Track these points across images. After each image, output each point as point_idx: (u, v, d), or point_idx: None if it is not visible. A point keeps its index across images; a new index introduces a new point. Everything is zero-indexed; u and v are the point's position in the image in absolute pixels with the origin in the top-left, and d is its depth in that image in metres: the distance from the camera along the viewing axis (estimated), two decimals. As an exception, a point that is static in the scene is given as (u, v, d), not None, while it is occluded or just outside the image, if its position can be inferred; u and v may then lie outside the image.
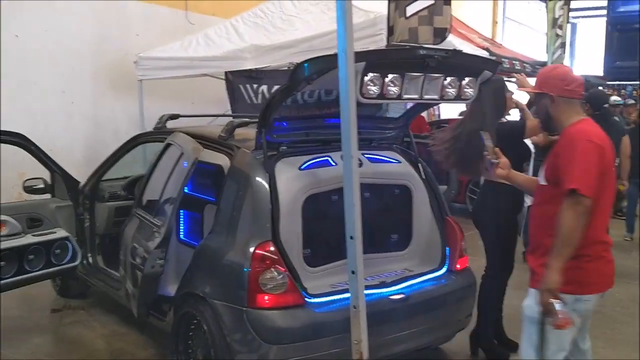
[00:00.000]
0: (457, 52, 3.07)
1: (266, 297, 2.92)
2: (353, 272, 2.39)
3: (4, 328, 4.44)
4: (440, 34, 4.91)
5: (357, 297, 2.39)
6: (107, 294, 4.39)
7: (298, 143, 3.43)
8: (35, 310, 4.82)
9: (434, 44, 4.63)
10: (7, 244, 3.94)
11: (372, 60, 2.73)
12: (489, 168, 2.92)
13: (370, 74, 2.75)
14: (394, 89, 2.85)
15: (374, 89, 2.79)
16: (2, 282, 3.89)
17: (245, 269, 2.95)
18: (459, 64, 3.04)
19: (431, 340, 3.60)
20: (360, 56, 2.68)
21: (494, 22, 15.91)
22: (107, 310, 4.70)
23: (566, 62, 11.25)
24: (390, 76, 2.81)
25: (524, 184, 2.99)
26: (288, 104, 3.29)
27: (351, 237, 2.37)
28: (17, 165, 6.50)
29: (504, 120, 3.90)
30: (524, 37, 16.94)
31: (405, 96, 2.92)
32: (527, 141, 3.92)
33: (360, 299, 2.39)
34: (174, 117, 4.34)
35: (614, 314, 4.72)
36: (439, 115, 12.30)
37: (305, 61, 2.80)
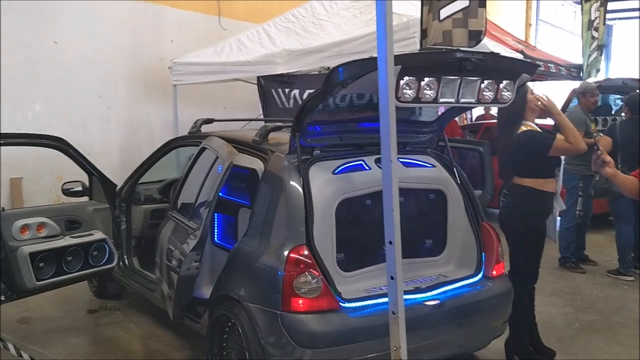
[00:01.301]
0: (494, 55, 3.03)
1: (300, 301, 2.92)
2: (392, 278, 2.38)
3: (42, 328, 4.56)
4: (475, 37, 4.85)
5: (396, 302, 2.38)
6: (142, 295, 4.45)
7: (331, 147, 3.42)
8: (73, 311, 4.92)
9: (468, 47, 4.57)
10: (46, 245, 4.04)
11: (408, 64, 2.71)
12: (600, 165, 3.03)
13: (406, 78, 2.74)
14: (429, 93, 2.83)
15: (409, 93, 2.78)
16: (41, 282, 3.98)
17: (279, 273, 2.95)
18: (496, 67, 2.99)
19: (466, 347, 3.55)
20: (396, 60, 2.66)
21: (528, 25, 15.66)
22: (143, 311, 4.77)
23: (602, 65, 11.01)
24: (426, 79, 2.79)
25: (624, 183, 3.10)
26: (321, 108, 3.29)
27: (390, 242, 2.36)
28: (56, 169, 6.70)
29: (530, 126, 3.76)
30: (558, 39, 16.62)
31: (442, 100, 2.90)
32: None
33: (399, 305, 2.38)
34: (208, 121, 4.39)
35: None
36: (471, 119, 12.16)
37: (340, 65, 2.79)
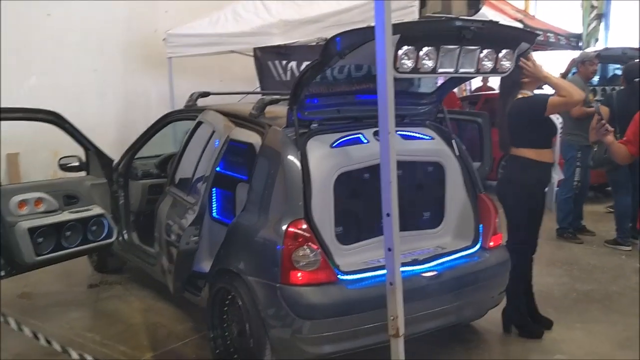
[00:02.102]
0: (493, 23, 2.98)
1: (299, 274, 2.94)
2: (389, 249, 2.38)
3: (42, 303, 4.59)
4: (474, 5, 4.82)
5: (393, 273, 2.40)
6: (142, 269, 4.48)
7: (329, 120, 3.39)
8: (73, 286, 4.95)
9: (467, 16, 4.51)
10: (44, 220, 4.03)
11: (407, 33, 2.66)
12: (603, 133, 3.29)
13: (405, 47, 2.69)
14: (428, 63, 2.79)
15: (408, 63, 2.73)
16: (40, 257, 3.99)
17: (278, 247, 2.96)
18: (495, 36, 2.95)
19: (463, 317, 3.58)
20: (394, 29, 2.61)
21: (527, -7, 15.41)
22: (143, 285, 4.80)
23: (601, 34, 10.88)
24: (425, 49, 2.75)
25: (617, 150, 3.44)
26: (319, 80, 3.25)
27: (387, 215, 2.36)
28: (52, 144, 6.64)
29: (528, 94, 3.73)
30: (558, 9, 16.37)
31: (440, 70, 2.86)
32: (553, 116, 3.76)
33: (396, 276, 2.40)
34: (204, 94, 4.35)
35: None
36: (470, 90, 12.06)
37: (337, 35, 2.75)
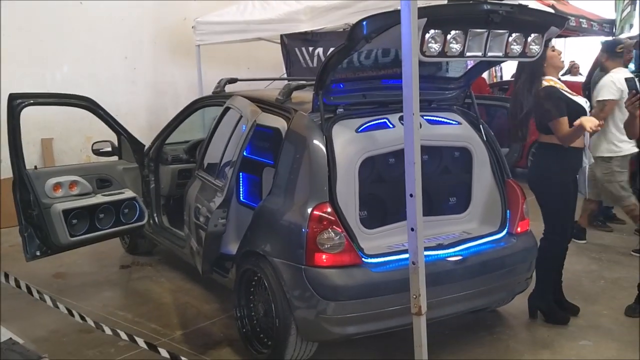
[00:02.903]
0: (522, 7, 2.93)
1: (324, 256, 2.98)
2: (412, 229, 2.40)
3: (76, 283, 4.75)
4: (506, -11, 4.71)
5: (416, 252, 2.41)
6: (172, 251, 4.58)
7: (355, 105, 3.40)
8: (106, 267, 5.10)
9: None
10: (78, 202, 4.17)
11: (434, 16, 2.65)
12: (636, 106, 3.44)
13: (432, 31, 2.68)
14: (456, 47, 2.77)
15: (435, 47, 2.72)
16: (75, 238, 4.13)
17: (303, 230, 3.00)
18: (524, 20, 2.91)
19: (489, 302, 3.59)
20: (421, 12, 2.61)
21: (560, -23, 15.02)
22: (173, 266, 4.92)
23: (636, 19, 10.56)
24: (452, 33, 2.73)
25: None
26: (344, 66, 3.27)
27: (411, 195, 2.37)
28: (85, 130, 6.83)
29: (552, 81, 3.67)
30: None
31: (468, 54, 2.84)
32: (579, 99, 3.71)
33: (419, 255, 2.42)
34: (232, 81, 4.40)
35: None
36: (501, 77, 11.88)
37: (364, 19, 2.75)
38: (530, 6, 5.31)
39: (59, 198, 4.12)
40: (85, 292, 4.51)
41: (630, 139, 3.97)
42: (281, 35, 6.89)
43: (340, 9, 6.02)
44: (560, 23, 3.06)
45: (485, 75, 10.81)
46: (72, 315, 3.51)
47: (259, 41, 7.45)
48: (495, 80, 11.13)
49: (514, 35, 2.88)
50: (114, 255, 5.32)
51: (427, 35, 2.66)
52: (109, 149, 4.75)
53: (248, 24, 6.79)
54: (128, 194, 4.45)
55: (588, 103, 3.75)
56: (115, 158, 4.80)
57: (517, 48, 2.92)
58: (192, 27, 7.21)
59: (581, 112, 3.62)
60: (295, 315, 3.03)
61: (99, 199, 4.31)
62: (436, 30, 2.67)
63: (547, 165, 3.73)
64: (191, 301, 4.29)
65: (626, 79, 4.92)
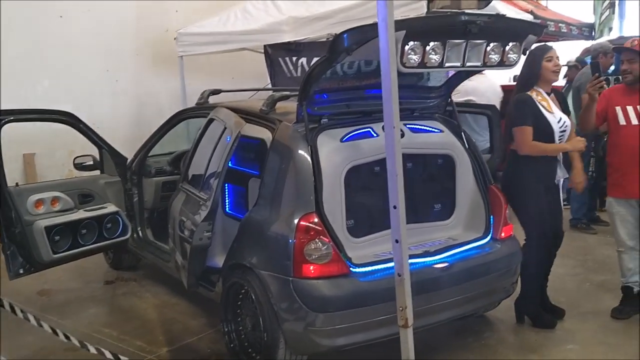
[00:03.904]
0: (499, 17, 2.99)
1: (311, 267, 2.98)
2: (397, 241, 2.41)
3: (60, 300, 4.68)
4: (485, -4, 4.78)
5: (401, 265, 2.42)
6: (157, 266, 4.54)
7: (339, 115, 3.42)
8: (90, 283, 5.04)
9: (478, 9, 4.51)
10: (60, 219, 4.12)
11: (413, 29, 2.69)
12: (597, 88, 3.61)
13: (411, 43, 2.72)
14: (435, 57, 2.82)
15: (414, 58, 2.77)
16: (57, 255, 4.08)
17: (290, 240, 3.00)
18: (502, 29, 2.96)
19: (476, 307, 3.61)
20: (400, 25, 2.65)
21: (538, -16, 15.26)
22: (158, 281, 4.87)
23: (615, 23, 10.74)
24: (431, 44, 2.78)
25: (588, 116, 3.83)
26: (328, 76, 3.28)
27: (394, 207, 2.38)
28: (68, 144, 6.75)
29: (538, 92, 3.72)
30: (571, -2, 16.19)
31: (447, 64, 2.88)
32: (553, 117, 3.74)
33: (404, 267, 2.42)
34: (216, 92, 4.40)
35: None
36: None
37: (345, 32, 2.77)
38: (508, 13, 5.41)
39: (41, 215, 4.07)
40: (69, 309, 4.45)
41: (583, 133, 4.02)
42: (265, 46, 6.90)
43: (322, 19, 6.05)
44: (538, 31, 3.11)
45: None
46: (57, 334, 3.45)
47: (243, 51, 7.44)
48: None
49: (491, 44, 2.93)
50: (98, 270, 5.26)
51: (406, 47, 2.70)
52: (91, 163, 4.71)
53: (231, 35, 6.79)
54: (110, 208, 4.41)
55: (566, 122, 3.74)
56: (97, 172, 4.75)
57: (495, 57, 2.97)
58: (175, 38, 7.19)
59: (547, 131, 3.67)
60: (283, 329, 3.02)
61: (81, 214, 4.26)
62: (415, 42, 2.71)
63: (516, 173, 3.78)
64: (177, 316, 4.25)
65: (591, 64, 5.00)
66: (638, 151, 3.71)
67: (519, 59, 3.09)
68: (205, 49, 7.05)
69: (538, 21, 6.78)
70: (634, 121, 3.73)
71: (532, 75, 3.69)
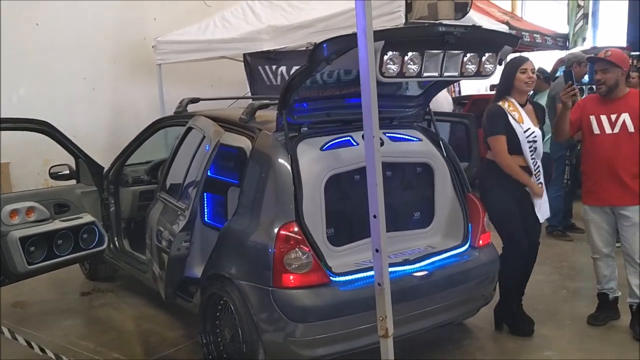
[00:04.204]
0: (476, 28, 3.04)
1: (291, 277, 2.96)
2: (377, 250, 2.41)
3: (36, 312, 4.58)
4: (462, 9, 4.84)
5: (381, 274, 2.42)
6: (134, 276, 4.48)
7: (319, 124, 3.43)
8: (66, 294, 4.95)
9: (455, 19, 4.57)
10: (36, 229, 4.03)
11: (391, 39, 2.72)
12: (569, 95, 3.76)
13: (390, 53, 2.75)
14: (413, 67, 2.85)
15: (393, 68, 2.80)
16: (32, 266, 3.99)
17: (270, 250, 2.99)
18: (478, 40, 3.00)
19: (455, 315, 3.63)
20: (378, 35, 2.67)
21: (514, -5, 15.55)
22: (135, 292, 4.81)
23: (589, 33, 10.97)
24: (409, 54, 2.80)
25: (562, 124, 3.91)
26: (308, 84, 3.30)
27: (374, 216, 2.39)
28: (43, 153, 6.64)
29: (510, 103, 3.77)
30: (545, 9, 16.53)
31: (425, 74, 2.92)
32: (520, 127, 3.80)
33: (384, 276, 2.42)
34: (194, 100, 4.37)
35: None
36: (459, 92, 12.15)
37: (324, 41, 2.79)
38: (485, 24, 5.49)
39: (16, 225, 3.97)
40: (45, 321, 4.36)
41: (558, 141, 4.10)
42: (244, 54, 6.90)
43: (302, 28, 6.07)
44: (513, 42, 3.17)
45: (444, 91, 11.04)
46: (32, 347, 3.38)
47: (223, 59, 7.43)
48: (453, 96, 11.36)
49: (468, 55, 2.97)
50: (74, 281, 5.17)
51: (385, 57, 2.72)
52: (67, 172, 4.63)
53: (210, 43, 6.77)
54: (87, 218, 4.33)
55: (536, 133, 3.78)
56: (73, 182, 4.68)
57: (472, 67, 3.01)
58: (153, 46, 7.14)
59: (514, 140, 3.72)
60: (263, 339, 3.00)
61: (56, 224, 4.17)
62: (394, 52, 2.74)
63: (491, 182, 3.83)
64: (155, 328, 4.19)
65: (564, 73, 5.09)
66: (611, 160, 3.78)
67: (495, 69, 3.14)
68: (184, 56, 7.02)
69: (513, 32, 6.91)
70: (607, 130, 3.80)
71: (506, 86, 3.76)
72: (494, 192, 3.81)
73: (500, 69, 3.49)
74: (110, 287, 5.02)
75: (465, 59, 2.99)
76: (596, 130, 3.84)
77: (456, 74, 3.02)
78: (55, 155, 5.21)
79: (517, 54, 3.99)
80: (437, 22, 3.12)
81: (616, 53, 3.81)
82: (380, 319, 2.43)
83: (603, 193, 3.87)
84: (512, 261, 3.77)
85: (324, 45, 2.78)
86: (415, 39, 2.85)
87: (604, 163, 3.81)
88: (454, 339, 3.88)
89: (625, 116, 3.75)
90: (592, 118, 3.85)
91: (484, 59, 3.06)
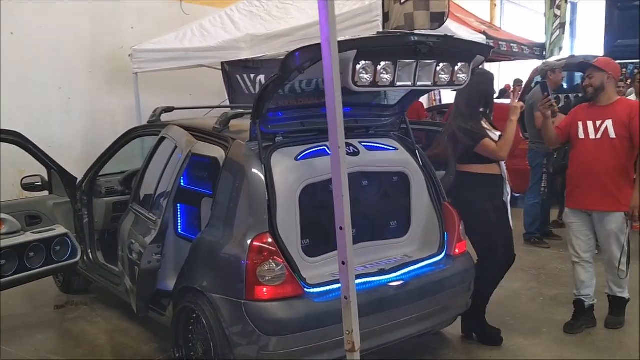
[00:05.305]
0: (448, 38, 3.04)
1: (264, 289, 2.92)
2: (343, 263, 2.36)
3: (7, 326, 4.47)
4: (438, 19, 4.84)
5: (347, 287, 2.36)
6: (108, 289, 4.40)
7: (294, 133, 3.40)
8: (39, 307, 4.84)
9: (431, 29, 4.58)
10: (6, 242, 3.93)
11: (364, 48, 2.71)
12: (546, 107, 3.94)
13: (362, 62, 2.74)
14: (386, 77, 2.84)
15: (366, 77, 2.78)
16: (3, 280, 3.89)
17: (242, 262, 2.94)
18: (451, 50, 3.00)
19: (432, 324, 3.60)
20: (351, 44, 2.66)
21: (493, 5, 15.76)
22: (110, 305, 4.71)
23: (566, 42, 11.12)
24: (382, 64, 2.79)
25: (549, 133, 4.08)
26: (286, 93, 3.27)
27: (340, 228, 2.34)
28: (18, 163, 6.51)
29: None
30: (524, 18, 16.77)
31: (398, 83, 2.91)
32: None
33: (351, 290, 2.36)
34: (169, 109, 4.32)
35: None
36: (440, 100, 12.24)
37: (296, 50, 2.77)
38: (462, 34, 5.52)
39: (-14, 238, 3.88)
40: (16, 336, 4.25)
41: (550, 146, 4.23)
42: (222, 63, 6.86)
43: (280, 37, 6.05)
44: (485, 52, 3.18)
45: (424, 99, 11.13)
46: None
47: (201, 68, 7.37)
48: (434, 104, 11.44)
49: (441, 64, 2.97)
50: (47, 294, 5.06)
51: (358, 66, 2.70)
52: (39, 183, 4.55)
53: (187, 52, 6.71)
54: (59, 230, 4.24)
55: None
56: (46, 193, 4.59)
57: (445, 77, 3.01)
58: (129, 55, 7.07)
59: None
60: (235, 354, 2.94)
61: (28, 236, 4.07)
62: (367, 61, 2.72)
63: (467, 193, 3.82)
64: (128, 342, 4.11)
65: (540, 84, 5.19)
66: (592, 164, 3.85)
67: (468, 79, 3.14)
68: (161, 65, 6.95)
69: (491, 41, 6.99)
70: (592, 135, 3.90)
71: (487, 99, 3.86)
72: (472, 204, 3.78)
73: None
74: (85, 299, 4.93)
75: (438, 68, 2.99)
76: (581, 135, 3.95)
77: (429, 83, 3.02)
78: (30, 165, 5.11)
79: (498, 64, 4.03)
80: (409, 32, 3.11)
81: (602, 59, 4.02)
82: (347, 332, 2.38)
83: (583, 197, 3.94)
84: (486, 273, 3.76)
85: (296, 54, 2.75)
86: (388, 48, 2.84)
87: (586, 167, 3.89)
88: (431, 349, 3.87)
89: (608, 122, 3.84)
90: (580, 124, 3.96)
91: (456, 68, 3.06)
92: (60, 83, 7.24)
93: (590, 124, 3.91)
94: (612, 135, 3.81)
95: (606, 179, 3.82)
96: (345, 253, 2.33)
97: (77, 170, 4.71)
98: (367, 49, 2.73)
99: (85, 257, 4.51)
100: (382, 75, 2.81)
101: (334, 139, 2.24)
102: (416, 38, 2.82)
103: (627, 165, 3.83)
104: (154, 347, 3.99)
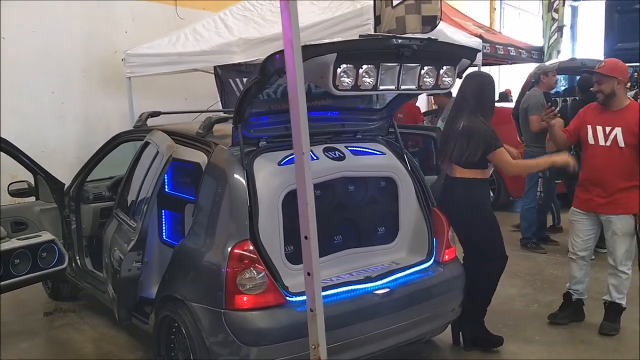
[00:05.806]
0: (432, 41, 2.97)
1: (245, 298, 2.85)
2: (309, 274, 2.28)
3: (-7, 334, 4.42)
4: (430, 22, 4.77)
5: (313, 299, 2.27)
6: (96, 296, 4.34)
7: (278, 138, 3.33)
8: (27, 315, 4.78)
9: (423, 33, 4.52)
10: (-9, 248, 3.89)
11: (344, 51, 2.65)
12: (550, 117, 3.99)
13: (343, 65, 2.68)
14: (369, 80, 2.78)
15: (347, 81, 2.73)
16: (-12, 287, 3.84)
17: (222, 270, 2.88)
18: (435, 53, 2.94)
19: (421, 333, 3.52)
20: (331, 47, 2.61)
21: (492, 9, 15.70)
22: (98, 312, 4.65)
23: (566, 45, 11.05)
24: (364, 67, 2.74)
25: (557, 135, 4.09)
26: (270, 97, 3.21)
27: (305, 237, 2.26)
28: (10, 168, 6.47)
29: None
30: (524, 22, 16.71)
31: (381, 87, 2.85)
32: None
33: (317, 302, 2.28)
34: (155, 114, 4.27)
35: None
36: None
37: (276, 53, 2.71)
38: (457, 37, 5.45)
39: (-30, 245, 3.83)
40: (3, 343, 4.19)
41: (560, 148, 4.20)
42: (215, 67, 6.82)
43: (273, 41, 5.99)
44: (471, 55, 3.11)
45: (422, 103, 11.07)
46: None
47: (195, 72, 7.33)
48: (433, 108, 11.36)
49: (426, 68, 2.91)
50: (36, 301, 5.00)
51: (339, 70, 2.65)
52: (26, 189, 4.50)
53: (180, 56, 6.67)
54: (46, 236, 4.18)
55: None
56: (33, 199, 4.54)
57: (429, 80, 2.95)
58: (122, 59, 7.04)
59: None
60: (215, 364, 2.87)
61: (13, 243, 4.02)
62: (348, 65, 2.66)
63: (453, 198, 3.70)
64: (114, 350, 4.05)
65: (544, 93, 5.17)
66: (601, 170, 3.87)
67: (453, 83, 3.08)
68: (154, 69, 6.91)
69: (487, 45, 6.92)
70: (601, 142, 3.89)
71: (488, 103, 3.77)
72: (460, 209, 3.68)
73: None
74: (73, 306, 4.87)
75: (422, 71, 2.93)
76: (591, 141, 3.95)
77: (414, 87, 2.96)
78: (23, 171, 5.07)
79: (497, 67, 3.99)
80: (391, 35, 3.04)
81: (609, 64, 3.94)
82: (313, 347, 2.29)
83: (590, 200, 3.96)
84: (475, 278, 3.68)
85: (276, 56, 2.69)
86: (370, 51, 2.78)
87: (595, 172, 3.91)
88: (422, 357, 3.80)
89: (617, 130, 3.83)
90: (589, 128, 3.96)
91: (441, 72, 3.00)
92: (54, 88, 7.20)
93: (599, 129, 3.90)
94: (621, 144, 3.81)
95: (615, 186, 3.83)
96: (310, 264, 2.24)
97: (71, 175, 4.66)
98: (347, 52, 2.68)
99: (73, 264, 4.46)
100: (364, 79, 2.75)
101: (298, 145, 2.17)
102: (399, 41, 2.76)
103: (636, 172, 3.82)
104: (140, 355, 3.93)
